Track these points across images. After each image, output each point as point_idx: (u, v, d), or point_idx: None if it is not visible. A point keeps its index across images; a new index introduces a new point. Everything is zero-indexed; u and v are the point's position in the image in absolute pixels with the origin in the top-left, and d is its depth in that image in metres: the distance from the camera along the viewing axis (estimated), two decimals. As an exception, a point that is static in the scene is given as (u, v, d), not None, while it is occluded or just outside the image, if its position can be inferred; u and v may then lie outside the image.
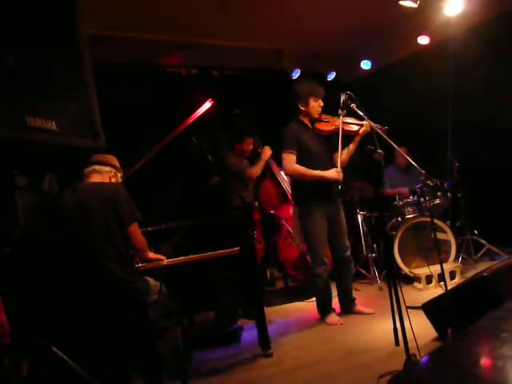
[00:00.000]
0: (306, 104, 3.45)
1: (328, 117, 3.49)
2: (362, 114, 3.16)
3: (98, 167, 2.40)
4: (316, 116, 3.47)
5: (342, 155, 3.34)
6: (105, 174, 2.41)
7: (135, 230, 2.35)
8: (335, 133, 3.37)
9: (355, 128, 3.36)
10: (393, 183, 4.92)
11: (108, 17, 3.82)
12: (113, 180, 2.44)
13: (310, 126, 3.50)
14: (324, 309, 3.50)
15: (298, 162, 3.41)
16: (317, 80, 3.60)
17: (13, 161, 1.92)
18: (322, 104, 3.47)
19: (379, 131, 2.99)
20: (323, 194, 3.44)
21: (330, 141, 3.50)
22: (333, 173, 3.32)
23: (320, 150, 3.47)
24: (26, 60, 1.57)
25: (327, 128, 3.44)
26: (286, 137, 3.44)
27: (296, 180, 3.52)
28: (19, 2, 1.54)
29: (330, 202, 3.49)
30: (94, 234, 2.23)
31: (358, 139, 3.40)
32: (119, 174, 2.51)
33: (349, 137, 3.44)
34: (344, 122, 3.29)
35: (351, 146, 3.44)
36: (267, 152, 4.28)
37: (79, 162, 2.34)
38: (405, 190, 4.75)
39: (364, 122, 3.27)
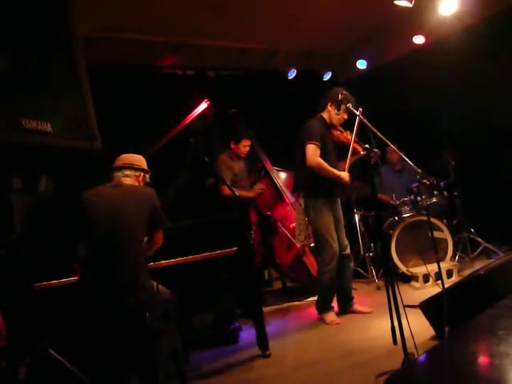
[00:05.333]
0: (338, 108, 3.47)
1: (341, 128, 3.59)
2: (357, 113, 3.17)
3: (127, 172, 2.42)
4: (335, 123, 3.54)
5: (344, 164, 3.45)
6: (133, 178, 2.44)
7: (161, 234, 2.46)
8: (344, 145, 3.51)
9: (359, 148, 3.41)
10: (386, 184, 4.93)
11: (103, 18, 3.82)
12: (141, 183, 2.48)
13: (329, 128, 3.56)
14: (323, 306, 3.51)
15: None
16: (314, 79, 3.61)
17: (8, 163, 1.92)
18: (346, 118, 3.51)
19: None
20: (330, 192, 3.52)
21: (336, 148, 3.61)
22: (346, 175, 3.41)
23: (333, 152, 3.55)
24: (20, 62, 1.56)
25: (340, 138, 3.55)
26: (312, 129, 3.46)
27: (308, 173, 3.48)
28: (12, 5, 1.54)
29: (334, 199, 3.58)
30: (125, 230, 2.24)
31: (357, 158, 3.47)
32: (147, 175, 2.53)
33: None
34: (355, 141, 3.38)
35: (351, 160, 3.48)
36: (258, 189, 4.30)
37: (75, 163, 2.34)
38: (387, 197, 4.75)
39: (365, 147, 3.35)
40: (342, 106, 3.44)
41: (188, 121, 3.16)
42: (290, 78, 5.39)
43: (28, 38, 1.59)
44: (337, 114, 3.49)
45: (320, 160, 3.40)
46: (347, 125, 3.52)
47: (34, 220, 2.71)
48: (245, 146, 4.29)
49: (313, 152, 3.40)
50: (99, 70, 3.11)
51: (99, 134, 2.14)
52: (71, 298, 2.35)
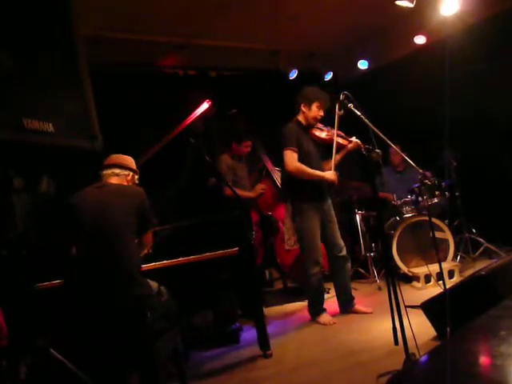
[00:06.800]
0: (309, 107, 3.49)
1: (322, 126, 3.57)
2: (359, 113, 3.17)
3: (117, 170, 2.42)
4: (312, 122, 3.52)
5: (330, 163, 3.44)
6: (123, 177, 2.44)
7: (151, 235, 2.47)
8: (327, 143, 3.49)
9: (344, 142, 3.48)
10: (387, 185, 4.93)
11: (105, 18, 3.82)
12: (130, 183, 2.47)
13: (306, 129, 3.54)
14: (315, 309, 3.51)
15: None
16: (315, 79, 3.62)
17: (10, 163, 1.92)
18: (322, 114, 3.51)
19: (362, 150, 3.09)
20: (317, 194, 3.49)
21: (320, 148, 3.59)
22: (331, 174, 3.39)
23: (314, 153, 3.53)
24: (21, 61, 1.56)
25: (321, 136, 3.52)
26: (287, 134, 3.44)
27: (291, 178, 3.47)
28: (13, 3, 1.54)
29: (322, 201, 3.53)
30: (112, 230, 2.23)
31: (344, 153, 3.50)
32: (136, 176, 2.53)
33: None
34: (337, 135, 3.40)
35: (337, 157, 3.50)
36: (259, 189, 4.30)
37: (76, 164, 2.34)
38: (390, 195, 4.77)
39: (352, 139, 3.43)
40: (315, 103, 3.44)
41: (189, 121, 3.16)
42: (291, 78, 5.39)
43: (29, 38, 1.59)
44: (309, 112, 3.47)
45: (298, 164, 3.38)
46: (348, 126, 3.50)
47: (35, 220, 2.72)
48: (246, 147, 4.29)
49: (290, 157, 3.38)
50: (100, 70, 3.11)
51: (100, 134, 2.13)
52: (72, 297, 2.35)
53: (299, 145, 3.42)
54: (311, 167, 3.42)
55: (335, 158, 3.41)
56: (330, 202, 3.61)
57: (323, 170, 3.50)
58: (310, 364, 2.72)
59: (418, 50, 5.00)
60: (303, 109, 3.51)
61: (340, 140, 3.45)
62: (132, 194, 2.36)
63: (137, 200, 2.33)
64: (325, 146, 3.59)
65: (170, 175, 3.35)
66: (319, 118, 3.51)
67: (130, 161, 2.51)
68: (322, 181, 3.44)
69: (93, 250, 2.23)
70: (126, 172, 2.45)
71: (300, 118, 3.54)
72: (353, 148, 3.43)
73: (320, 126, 3.56)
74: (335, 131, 3.39)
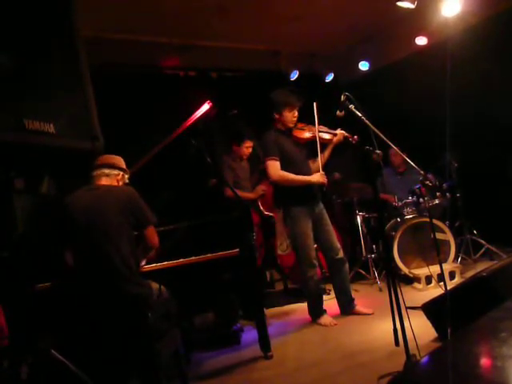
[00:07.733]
0: (281, 114, 3.47)
1: (303, 125, 3.55)
2: (360, 115, 3.17)
3: (107, 171, 2.42)
4: (290, 125, 3.50)
5: (317, 162, 3.43)
6: (113, 176, 2.44)
7: (152, 231, 2.40)
8: (311, 140, 3.46)
9: (328, 137, 3.45)
10: (387, 186, 4.92)
11: (106, 19, 3.83)
12: (120, 183, 2.48)
13: (287, 133, 3.53)
14: (316, 311, 3.51)
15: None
16: (316, 81, 3.63)
17: (11, 163, 1.92)
18: (296, 115, 3.49)
19: (351, 140, 3.16)
20: (306, 197, 3.47)
21: (305, 148, 3.58)
22: (318, 177, 3.39)
23: (299, 156, 3.52)
24: (23, 63, 1.57)
25: (304, 136, 3.50)
26: (267, 144, 3.45)
27: (278, 184, 3.49)
28: (16, 5, 1.54)
29: (313, 204, 3.52)
30: (105, 231, 2.23)
31: (331, 147, 3.50)
32: (126, 176, 2.53)
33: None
34: (319, 131, 3.38)
35: (326, 154, 3.50)
36: (260, 190, 4.30)
37: (77, 164, 2.35)
38: (391, 197, 4.77)
39: (337, 132, 3.42)
40: (285, 109, 3.41)
41: (190, 122, 3.16)
42: (292, 79, 5.39)
43: (31, 39, 1.59)
44: (282, 117, 3.44)
45: (281, 173, 3.38)
46: (348, 127, 3.48)
47: (36, 221, 2.72)
48: (247, 147, 4.30)
49: (273, 167, 3.38)
50: (101, 71, 3.11)
51: (101, 134, 2.14)
52: (72, 298, 2.35)
53: (281, 151, 3.41)
54: (297, 171, 3.41)
55: (321, 156, 3.40)
56: (322, 205, 3.59)
57: (311, 171, 3.49)
58: (310, 365, 2.72)
59: (419, 51, 5.00)
60: (276, 117, 3.49)
61: (324, 135, 3.43)
62: (122, 193, 2.37)
63: (127, 199, 2.33)
64: (311, 145, 3.54)
65: (170, 176, 3.36)
66: (295, 119, 3.48)
67: (119, 160, 2.51)
68: (312, 184, 3.43)
69: (87, 251, 2.24)
70: (116, 172, 2.45)
71: (277, 125, 3.53)
72: (339, 140, 3.42)
73: (301, 125, 3.53)
74: (316, 127, 3.37)
